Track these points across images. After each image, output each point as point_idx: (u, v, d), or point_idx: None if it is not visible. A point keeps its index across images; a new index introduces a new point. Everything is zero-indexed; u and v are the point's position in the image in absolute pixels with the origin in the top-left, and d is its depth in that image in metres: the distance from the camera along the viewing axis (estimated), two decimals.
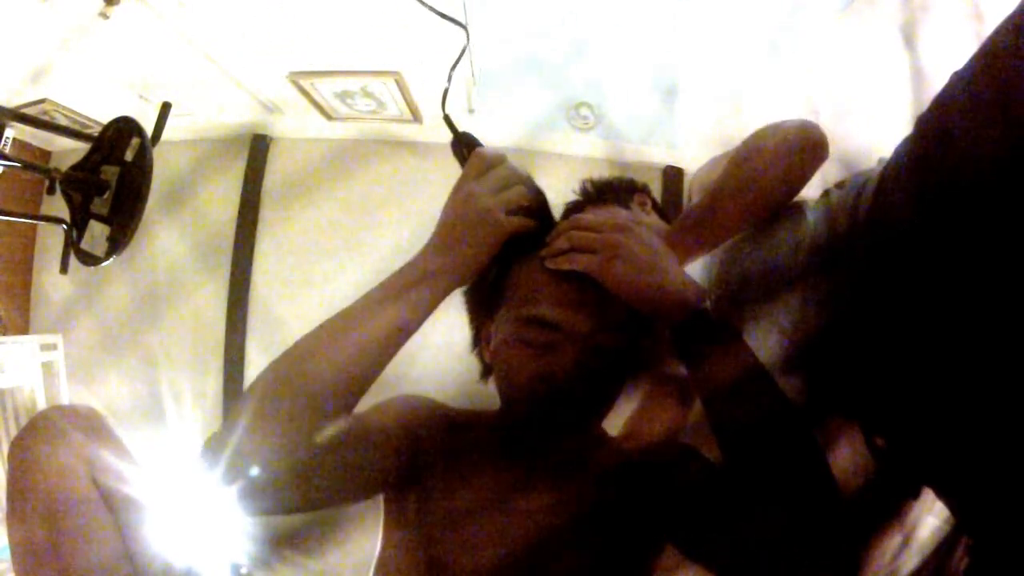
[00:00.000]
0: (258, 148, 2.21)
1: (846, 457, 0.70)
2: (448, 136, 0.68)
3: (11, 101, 1.75)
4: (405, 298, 0.56)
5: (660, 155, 2.17)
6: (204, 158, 2.22)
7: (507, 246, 0.60)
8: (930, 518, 0.72)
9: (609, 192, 0.92)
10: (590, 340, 0.60)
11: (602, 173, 0.96)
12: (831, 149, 0.77)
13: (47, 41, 1.54)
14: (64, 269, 1.11)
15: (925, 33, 1.11)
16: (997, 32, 0.50)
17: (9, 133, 1.02)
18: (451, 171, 0.64)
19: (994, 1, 0.74)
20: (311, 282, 2.11)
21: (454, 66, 0.77)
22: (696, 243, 0.81)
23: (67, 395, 2.01)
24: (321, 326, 0.55)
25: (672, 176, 2.17)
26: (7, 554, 0.60)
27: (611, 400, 0.66)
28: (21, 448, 0.63)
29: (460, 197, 0.60)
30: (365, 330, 0.54)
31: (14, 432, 1.75)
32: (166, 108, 1.07)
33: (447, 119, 0.69)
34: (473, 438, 0.68)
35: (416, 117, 2.07)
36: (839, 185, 0.78)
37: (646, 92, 1.85)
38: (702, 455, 0.63)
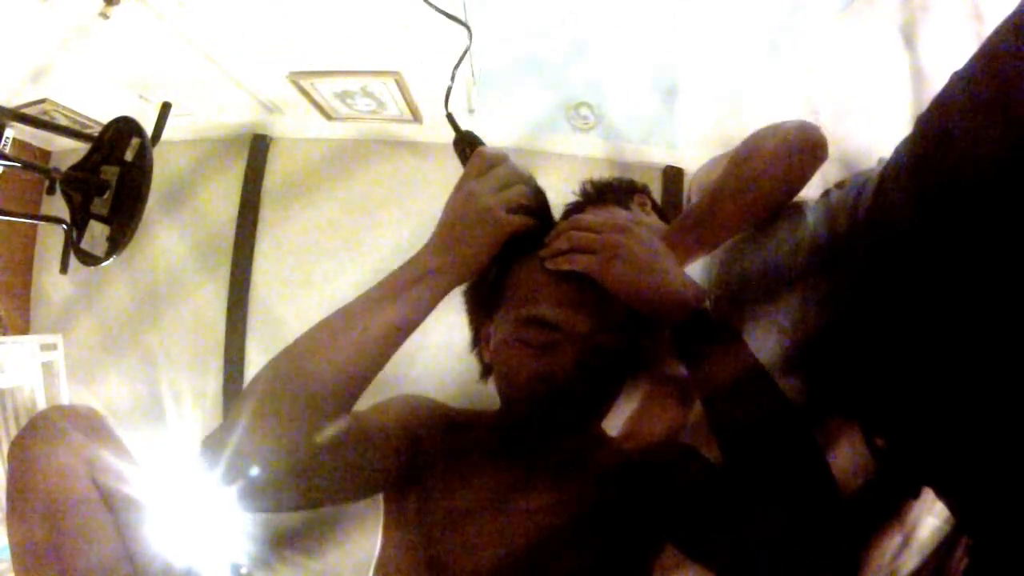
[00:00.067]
0: (258, 148, 2.21)
1: (846, 457, 0.70)
2: (449, 135, 0.68)
3: (11, 101, 1.75)
4: (405, 296, 0.56)
5: (660, 155, 2.17)
6: (204, 158, 2.22)
7: (507, 245, 0.60)
8: (930, 518, 0.72)
9: (609, 193, 0.92)
10: (590, 340, 0.60)
11: (602, 173, 0.97)
12: (831, 149, 0.77)
13: (47, 41, 1.54)
14: (64, 269, 1.11)
15: (925, 33, 1.11)
16: (997, 32, 0.50)
17: (9, 133, 1.02)
18: (451, 171, 0.64)
19: (994, 1, 0.74)
20: (311, 282, 2.11)
21: (457, 65, 0.76)
22: (696, 243, 0.81)
23: (67, 395, 2.01)
24: (320, 324, 0.55)
25: (672, 176, 2.17)
26: (7, 554, 0.60)
27: (611, 400, 0.66)
28: (21, 448, 0.63)
29: (461, 195, 0.60)
30: (364, 328, 0.54)
31: (14, 432, 1.75)
32: (166, 108, 1.07)
33: (450, 117, 0.69)
34: (473, 438, 0.68)
35: (416, 117, 2.07)
36: (839, 185, 0.78)
37: (646, 92, 1.85)
38: (702, 455, 0.63)
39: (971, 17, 0.91)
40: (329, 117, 2.12)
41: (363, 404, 0.62)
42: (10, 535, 0.60)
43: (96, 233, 1.05)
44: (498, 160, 0.61)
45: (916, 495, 0.71)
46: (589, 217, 0.65)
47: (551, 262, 0.61)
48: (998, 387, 0.53)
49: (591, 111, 2.02)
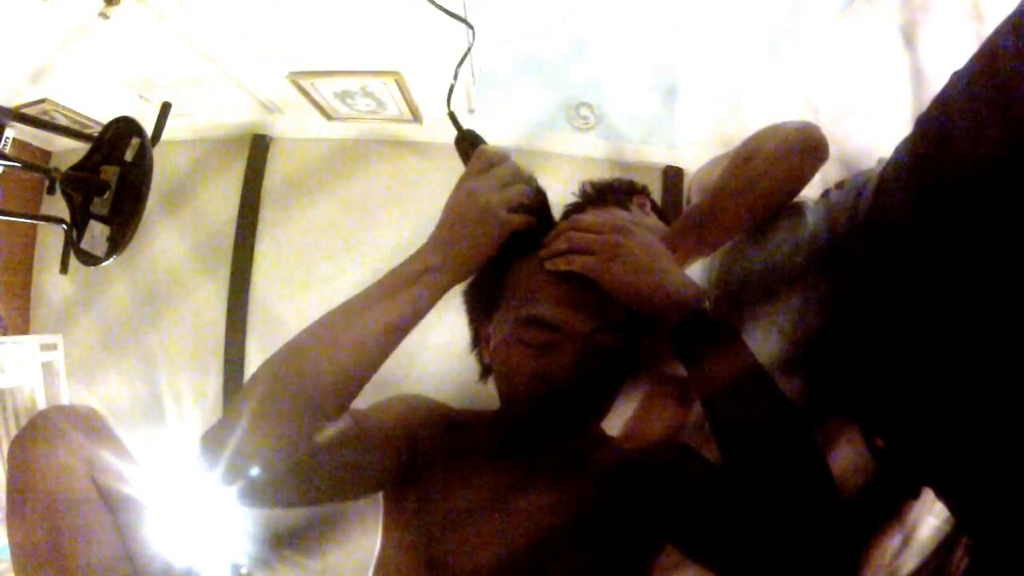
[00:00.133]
0: (258, 148, 2.21)
1: (846, 457, 0.70)
2: (449, 135, 0.68)
3: (11, 101, 1.75)
4: (404, 293, 0.56)
5: (660, 155, 2.17)
6: (204, 158, 2.22)
7: (507, 244, 0.60)
8: (930, 518, 0.72)
9: (608, 193, 0.92)
10: (589, 340, 0.60)
11: (602, 173, 0.96)
12: (831, 149, 0.77)
13: (47, 41, 1.54)
14: (64, 269, 1.11)
15: (925, 33, 1.11)
16: (997, 32, 0.50)
17: (9, 133, 1.02)
18: (451, 171, 0.64)
19: (994, 1, 0.74)
20: (311, 282, 2.11)
21: (460, 63, 0.76)
22: (697, 244, 0.81)
23: (67, 395, 2.01)
24: (319, 322, 0.55)
25: (672, 176, 2.17)
26: (7, 554, 0.60)
27: (610, 400, 0.66)
28: (21, 448, 0.63)
29: (462, 194, 0.60)
30: (363, 326, 0.54)
31: (14, 432, 1.74)
32: (166, 108, 1.07)
33: (452, 116, 0.69)
34: (473, 438, 0.68)
35: (416, 117, 2.06)
36: (839, 185, 0.78)
37: (646, 92, 1.85)
38: (702, 455, 0.63)
39: (971, 17, 0.91)
40: (329, 117, 2.12)
41: (363, 404, 0.62)
42: (10, 535, 0.60)
43: (96, 233, 1.05)
44: (499, 159, 0.61)
45: (916, 495, 0.71)
46: (589, 217, 0.65)
47: (550, 262, 0.61)
48: (998, 387, 0.53)
49: (591, 111, 2.02)
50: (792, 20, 1.45)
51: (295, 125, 2.18)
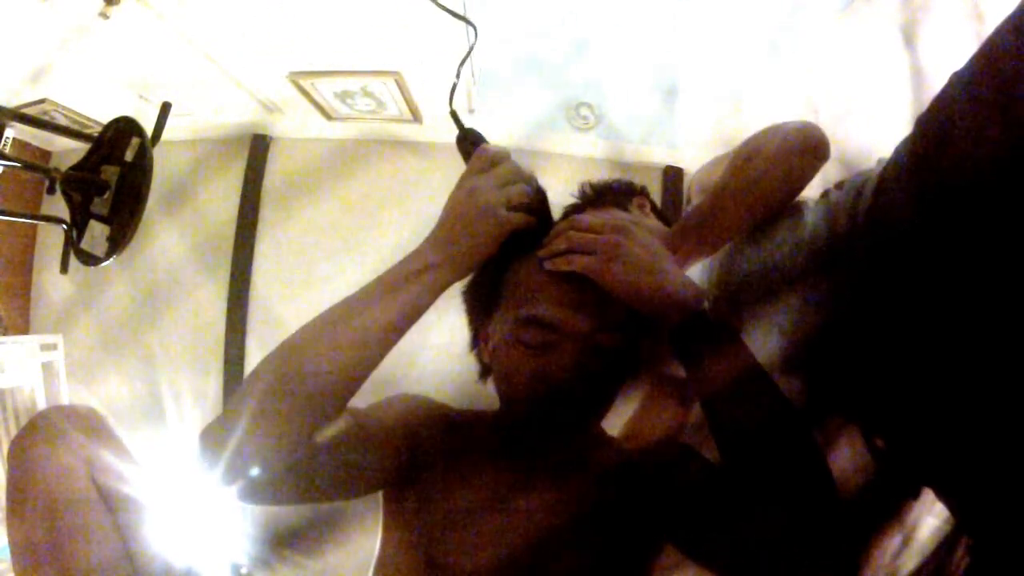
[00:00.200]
0: (258, 148, 2.21)
1: (846, 457, 0.70)
2: (449, 136, 0.68)
3: (11, 101, 1.74)
4: (403, 291, 0.56)
5: (660, 155, 2.17)
6: (204, 158, 2.22)
7: (507, 244, 0.60)
8: (930, 518, 0.72)
9: (608, 194, 0.92)
10: (589, 340, 0.60)
11: (602, 173, 0.96)
12: (831, 149, 0.77)
13: (47, 41, 1.54)
14: (64, 269, 1.11)
15: (925, 33, 1.11)
16: (997, 32, 0.50)
17: (9, 133, 1.02)
18: (451, 171, 0.64)
19: (994, 1, 0.74)
20: (311, 282, 2.11)
21: (463, 62, 0.76)
22: (698, 245, 0.81)
23: (67, 395, 2.01)
24: (319, 318, 0.55)
25: (672, 176, 2.17)
26: (7, 554, 0.60)
27: (610, 400, 0.66)
28: (21, 448, 0.63)
29: (463, 192, 0.60)
30: (362, 323, 0.54)
31: (14, 432, 1.74)
32: (166, 108, 1.07)
33: (454, 114, 0.69)
34: (473, 438, 0.68)
35: (416, 117, 2.06)
36: (839, 185, 0.78)
37: (646, 92, 1.85)
38: (702, 455, 0.63)
39: (971, 17, 0.91)
40: (329, 117, 2.12)
41: (362, 404, 0.62)
42: (10, 535, 0.60)
43: (96, 233, 1.05)
44: (500, 158, 0.61)
45: (916, 495, 0.71)
46: (588, 218, 0.65)
47: (550, 263, 0.61)
48: (998, 387, 0.53)
49: (591, 111, 2.02)
50: (792, 20, 1.45)
51: (295, 125, 2.18)
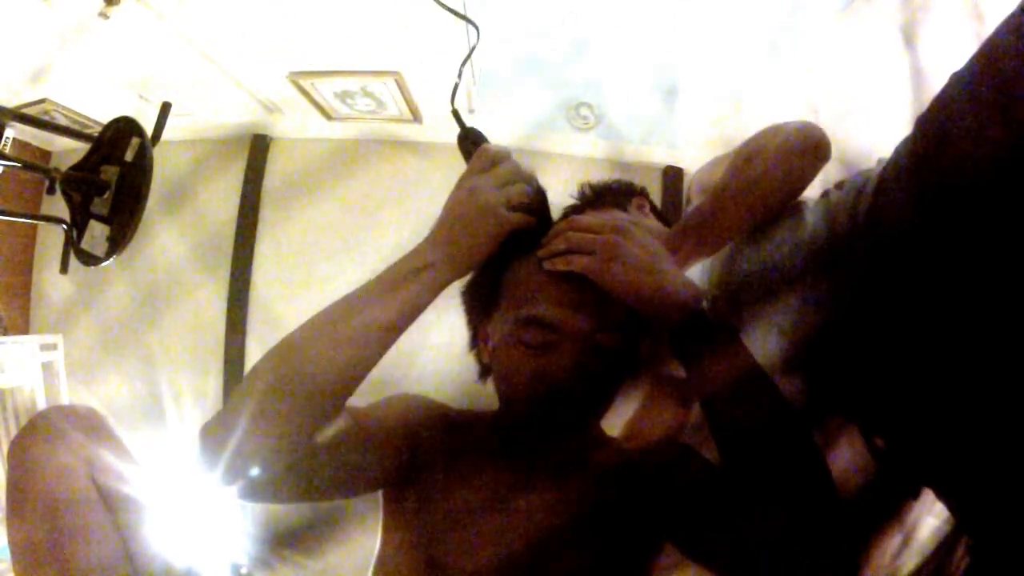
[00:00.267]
0: (258, 148, 2.21)
1: (846, 457, 0.70)
2: (449, 136, 0.68)
3: (11, 101, 1.74)
4: (402, 290, 0.56)
5: (660, 155, 2.17)
6: (204, 158, 2.22)
7: (506, 244, 0.60)
8: (930, 518, 0.72)
9: (607, 195, 0.92)
10: (588, 340, 0.60)
11: (602, 173, 0.96)
12: (831, 149, 0.77)
13: (47, 41, 1.54)
14: (64, 269, 1.11)
15: (925, 33, 1.11)
16: (997, 32, 0.50)
17: (9, 133, 1.02)
18: (451, 171, 0.64)
19: (994, 1, 0.74)
20: (311, 282, 2.11)
21: (464, 62, 0.76)
22: (699, 245, 0.81)
23: (67, 395, 2.01)
24: (317, 317, 0.55)
25: (672, 176, 2.17)
26: (7, 554, 0.60)
27: (610, 400, 0.66)
28: (21, 448, 0.63)
29: (463, 191, 0.60)
30: (362, 321, 0.54)
31: (14, 432, 1.74)
32: (166, 108, 1.07)
33: (455, 114, 0.69)
34: (472, 438, 0.68)
35: (416, 117, 2.07)
36: (839, 185, 0.78)
37: (646, 92, 1.85)
38: (702, 455, 0.63)
39: (971, 17, 0.91)
40: (329, 117, 2.12)
41: (361, 404, 0.62)
42: (10, 535, 0.60)
43: (96, 233, 1.05)
44: (501, 157, 0.61)
45: (916, 495, 0.71)
46: (587, 218, 0.65)
47: (549, 263, 0.61)
48: (997, 387, 0.53)
49: (591, 111, 2.02)
50: (792, 20, 1.45)
51: (295, 125, 2.18)
